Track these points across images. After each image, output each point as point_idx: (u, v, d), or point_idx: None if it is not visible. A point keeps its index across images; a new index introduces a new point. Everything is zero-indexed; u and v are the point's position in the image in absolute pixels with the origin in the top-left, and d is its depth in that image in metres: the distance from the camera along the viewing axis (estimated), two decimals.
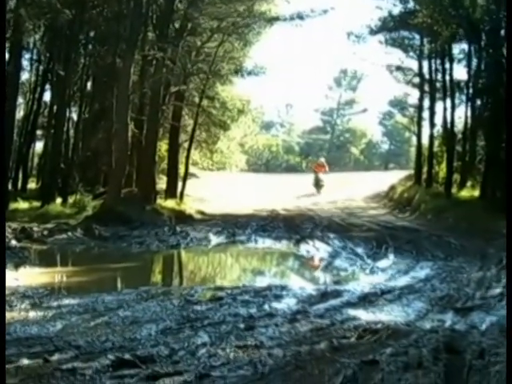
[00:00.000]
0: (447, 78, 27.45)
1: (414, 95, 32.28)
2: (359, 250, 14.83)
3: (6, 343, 4.60)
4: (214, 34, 27.64)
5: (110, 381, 5.21)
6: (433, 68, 28.89)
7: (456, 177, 26.57)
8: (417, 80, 30.88)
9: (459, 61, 27.61)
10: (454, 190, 25.69)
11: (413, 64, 30.86)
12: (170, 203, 25.14)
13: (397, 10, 29.42)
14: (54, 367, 5.41)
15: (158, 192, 26.31)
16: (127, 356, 5.79)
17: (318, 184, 36.67)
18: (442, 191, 25.97)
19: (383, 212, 27.25)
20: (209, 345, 6.38)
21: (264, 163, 72.08)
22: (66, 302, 8.51)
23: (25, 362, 5.54)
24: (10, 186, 25.26)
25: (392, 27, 29.93)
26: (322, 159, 41.31)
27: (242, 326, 7.26)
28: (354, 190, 34.69)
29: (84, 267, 12.90)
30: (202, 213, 24.96)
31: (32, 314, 7.71)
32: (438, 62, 28.35)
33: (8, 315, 7.55)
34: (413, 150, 54.54)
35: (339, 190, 35.44)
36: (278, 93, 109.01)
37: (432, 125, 28.76)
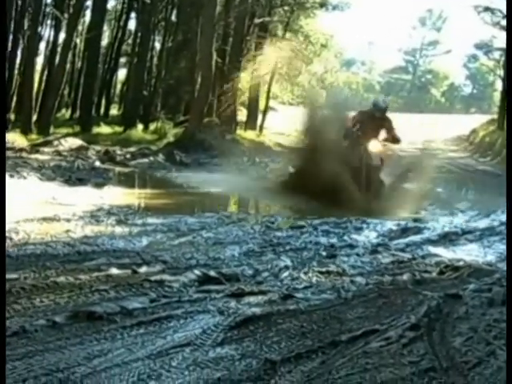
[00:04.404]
0: None
1: (501, 38, 31.30)
2: (439, 191, 14.63)
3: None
4: None
5: (197, 294, 5.32)
6: None
7: None
8: (505, 22, 29.79)
9: None
10: None
11: (502, 5, 29.72)
12: (250, 135, 25.26)
13: None
14: (143, 278, 5.57)
15: (238, 123, 26.42)
16: (212, 273, 5.91)
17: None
18: None
19: (463, 155, 26.85)
20: (291, 268, 6.43)
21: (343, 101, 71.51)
22: (150, 220, 8.68)
23: (114, 271, 5.72)
24: (93, 112, 25.71)
25: None
26: (382, 100, 12.82)
27: (323, 253, 7.30)
28: (434, 132, 34.04)
29: (165, 190, 13.17)
30: (280, 145, 24.94)
31: (118, 230, 7.89)
32: None
33: (95, 228, 7.81)
34: (496, 95, 53.30)
35: (419, 131, 34.89)
36: (361, 30, 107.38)
37: None
